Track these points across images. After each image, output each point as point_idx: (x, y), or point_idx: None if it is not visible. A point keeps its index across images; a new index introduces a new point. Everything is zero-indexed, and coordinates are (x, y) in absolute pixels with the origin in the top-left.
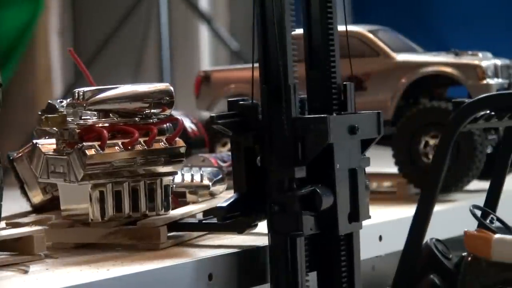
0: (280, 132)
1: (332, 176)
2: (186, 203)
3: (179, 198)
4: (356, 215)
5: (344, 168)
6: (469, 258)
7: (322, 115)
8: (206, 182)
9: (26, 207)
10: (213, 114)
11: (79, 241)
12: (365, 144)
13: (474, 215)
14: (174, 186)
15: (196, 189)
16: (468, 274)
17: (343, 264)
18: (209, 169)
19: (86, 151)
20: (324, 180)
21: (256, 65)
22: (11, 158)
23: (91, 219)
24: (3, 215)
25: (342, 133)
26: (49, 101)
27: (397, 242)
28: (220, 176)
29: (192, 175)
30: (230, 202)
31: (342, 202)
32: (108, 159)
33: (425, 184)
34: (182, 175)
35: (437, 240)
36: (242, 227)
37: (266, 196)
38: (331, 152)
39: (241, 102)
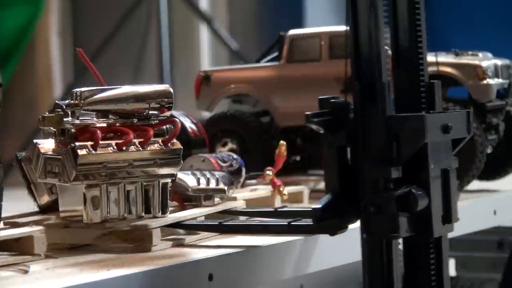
0: (374, 130)
1: (426, 177)
2: (194, 206)
3: (186, 202)
4: (449, 216)
5: (437, 168)
6: None
7: (419, 113)
8: (222, 186)
9: (34, 207)
10: (308, 113)
11: (72, 242)
12: (454, 144)
13: None
14: (190, 189)
15: (213, 193)
16: None
17: (432, 267)
18: (220, 173)
19: (78, 151)
20: (418, 181)
21: (260, 63)
22: (20, 158)
23: (85, 220)
24: (5, 215)
25: (436, 132)
26: (56, 101)
27: None
28: (231, 180)
29: (208, 179)
30: (325, 203)
31: (436, 204)
32: (101, 159)
33: None
34: (198, 179)
35: None
36: (334, 229)
37: (358, 196)
38: (425, 151)
39: (332, 100)
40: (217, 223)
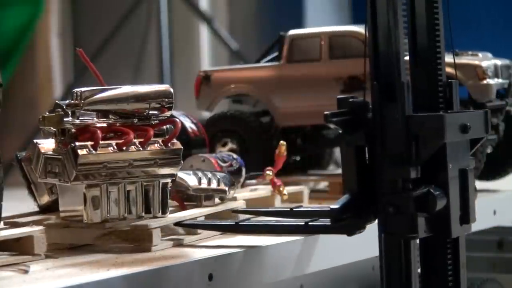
0: (393, 130)
1: (444, 177)
2: (194, 206)
3: (186, 202)
4: (467, 217)
5: (455, 168)
6: None
7: (438, 113)
8: (223, 186)
9: (34, 207)
10: (327, 112)
11: (72, 242)
12: (471, 144)
13: None
14: (190, 189)
15: (213, 193)
16: None
17: (449, 267)
18: (222, 174)
19: (78, 151)
20: (436, 181)
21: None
22: (20, 158)
23: (85, 220)
24: (5, 215)
25: (455, 132)
26: (57, 101)
27: None
28: (232, 181)
29: (210, 179)
30: (344, 203)
31: (454, 204)
32: (101, 159)
33: None
34: (199, 178)
35: None
36: (352, 229)
37: (376, 196)
38: (444, 151)
39: (351, 100)
40: (233, 223)
